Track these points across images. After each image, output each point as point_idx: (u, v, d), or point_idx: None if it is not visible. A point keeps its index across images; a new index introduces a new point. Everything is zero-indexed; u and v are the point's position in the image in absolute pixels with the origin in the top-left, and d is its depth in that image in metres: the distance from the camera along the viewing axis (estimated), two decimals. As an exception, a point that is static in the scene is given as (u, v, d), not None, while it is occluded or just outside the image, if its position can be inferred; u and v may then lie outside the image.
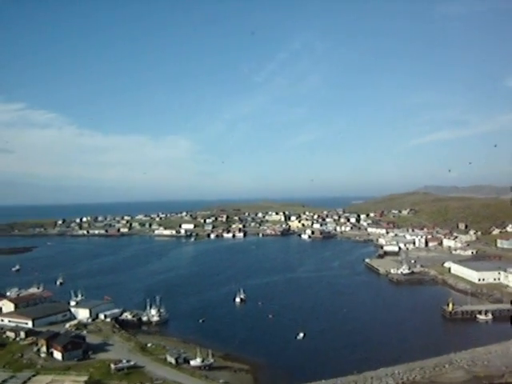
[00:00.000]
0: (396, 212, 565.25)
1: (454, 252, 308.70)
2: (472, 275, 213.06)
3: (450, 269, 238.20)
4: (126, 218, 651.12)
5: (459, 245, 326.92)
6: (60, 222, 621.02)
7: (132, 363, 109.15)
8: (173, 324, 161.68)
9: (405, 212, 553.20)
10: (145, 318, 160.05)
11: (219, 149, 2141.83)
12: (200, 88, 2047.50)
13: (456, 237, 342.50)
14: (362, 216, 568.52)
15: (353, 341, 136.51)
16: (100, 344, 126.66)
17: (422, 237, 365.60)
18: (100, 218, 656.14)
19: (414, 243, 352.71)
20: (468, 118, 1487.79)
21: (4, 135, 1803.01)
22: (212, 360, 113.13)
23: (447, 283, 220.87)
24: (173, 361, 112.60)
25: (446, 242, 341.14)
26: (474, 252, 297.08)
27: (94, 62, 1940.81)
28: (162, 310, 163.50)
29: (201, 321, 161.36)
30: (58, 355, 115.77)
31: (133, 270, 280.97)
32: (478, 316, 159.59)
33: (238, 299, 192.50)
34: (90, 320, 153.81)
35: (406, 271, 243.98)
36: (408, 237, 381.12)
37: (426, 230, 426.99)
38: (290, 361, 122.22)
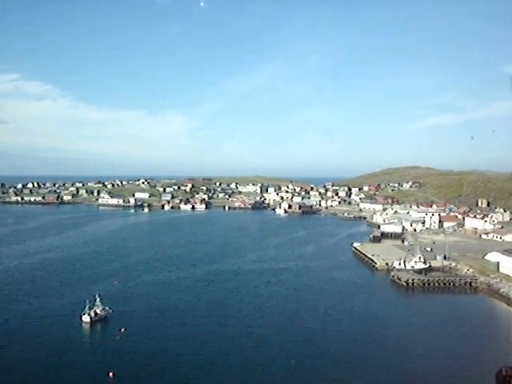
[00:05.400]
0: (395, 185, 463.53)
1: (484, 236, 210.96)
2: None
3: (498, 265, 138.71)
4: (77, 184, 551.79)
5: (491, 226, 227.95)
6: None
7: None
8: None
9: (407, 185, 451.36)
10: None
11: (217, 126, 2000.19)
12: (197, 63, 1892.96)
13: (485, 215, 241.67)
14: (354, 190, 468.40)
15: None
16: None
17: (433, 215, 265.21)
18: (48, 185, 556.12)
19: (424, 223, 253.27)
20: (463, 104, 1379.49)
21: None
22: None
23: (499, 292, 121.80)
24: None
25: (471, 223, 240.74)
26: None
27: (90, 34, 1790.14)
28: None
29: None
30: None
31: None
32: None
33: (86, 317, 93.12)
34: None
35: (421, 265, 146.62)
36: (414, 214, 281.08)
37: (435, 206, 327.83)
38: None
